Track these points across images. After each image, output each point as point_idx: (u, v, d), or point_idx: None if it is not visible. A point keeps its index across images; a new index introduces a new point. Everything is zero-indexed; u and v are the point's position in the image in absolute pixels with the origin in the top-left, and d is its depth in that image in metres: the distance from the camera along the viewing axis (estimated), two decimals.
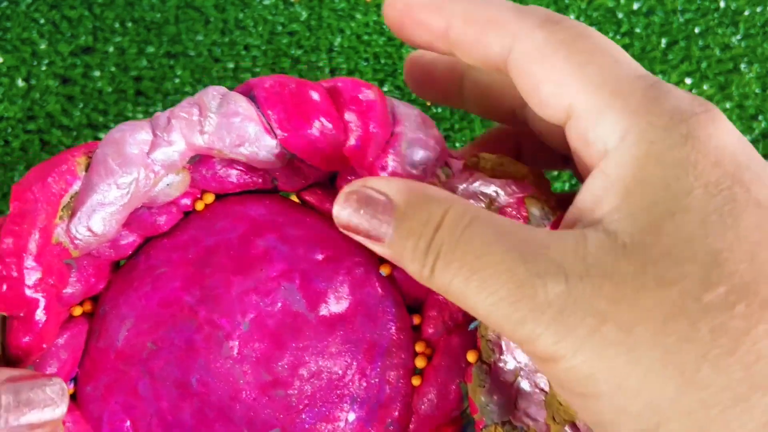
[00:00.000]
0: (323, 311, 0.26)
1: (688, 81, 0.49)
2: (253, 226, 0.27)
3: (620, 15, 0.50)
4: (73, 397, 0.27)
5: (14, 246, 0.22)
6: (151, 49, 0.50)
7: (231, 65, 0.50)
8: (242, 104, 0.24)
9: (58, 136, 0.48)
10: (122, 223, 0.25)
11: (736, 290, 0.18)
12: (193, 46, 0.51)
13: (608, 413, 0.19)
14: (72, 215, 0.24)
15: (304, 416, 0.26)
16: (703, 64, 0.50)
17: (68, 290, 0.26)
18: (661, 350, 0.18)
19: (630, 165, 0.19)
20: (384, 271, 0.27)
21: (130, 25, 0.51)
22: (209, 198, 0.28)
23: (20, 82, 0.49)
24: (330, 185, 0.29)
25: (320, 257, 0.27)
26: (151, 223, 0.27)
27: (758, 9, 0.51)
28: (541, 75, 0.21)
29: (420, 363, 0.27)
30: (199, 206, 0.28)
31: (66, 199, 0.24)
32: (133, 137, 0.24)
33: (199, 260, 0.27)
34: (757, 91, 0.50)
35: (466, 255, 0.20)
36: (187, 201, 0.27)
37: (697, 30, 0.51)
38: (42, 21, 0.50)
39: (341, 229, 0.22)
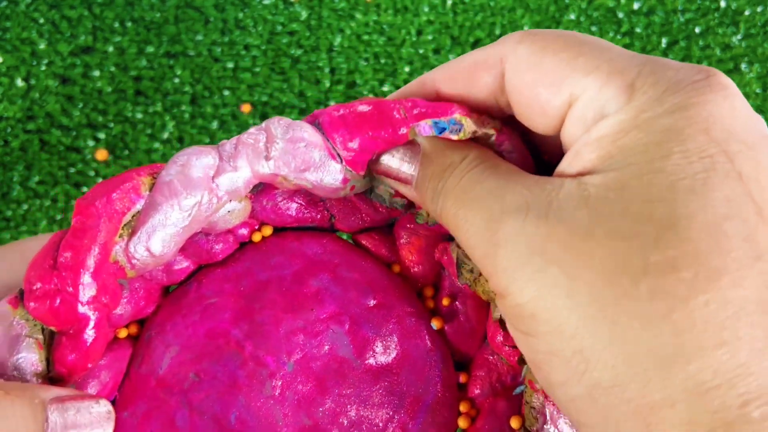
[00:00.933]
0: (369, 359, 0.27)
1: None
2: (307, 264, 0.27)
3: (621, 15, 0.50)
4: None
5: (72, 260, 0.23)
6: (150, 49, 0.50)
7: (231, 65, 0.50)
8: (307, 130, 0.25)
9: (58, 135, 0.48)
10: (180, 246, 0.25)
11: (686, 256, 0.18)
12: (193, 46, 0.50)
13: (543, 353, 0.20)
14: (132, 234, 0.24)
15: None
16: (704, 64, 0.50)
17: (118, 311, 0.26)
18: (599, 301, 0.18)
19: (614, 129, 0.20)
20: (435, 324, 0.28)
21: (129, 24, 0.51)
22: (267, 231, 0.28)
23: (20, 82, 0.49)
24: (387, 231, 0.29)
25: (372, 303, 0.27)
26: (207, 250, 0.27)
27: (758, 9, 0.51)
28: (537, 80, 0.22)
29: (463, 423, 0.27)
30: (256, 238, 0.28)
31: (128, 217, 0.24)
32: (199, 161, 0.24)
33: (250, 294, 0.27)
34: (757, 90, 0.50)
35: (460, 192, 0.22)
36: (244, 231, 0.28)
37: (697, 30, 0.51)
38: (42, 21, 0.50)
39: (375, 172, 0.24)
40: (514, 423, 0.26)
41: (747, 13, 0.51)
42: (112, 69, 0.50)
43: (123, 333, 0.27)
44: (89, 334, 0.23)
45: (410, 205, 0.27)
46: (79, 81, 0.49)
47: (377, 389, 0.26)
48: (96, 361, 0.25)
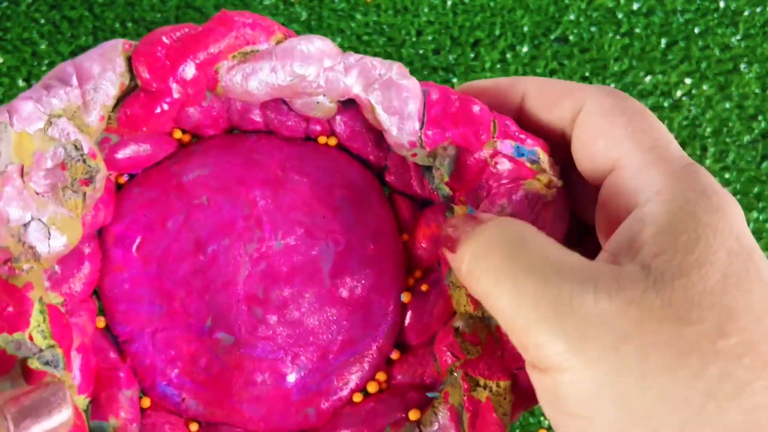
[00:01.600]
0: (338, 286, 0.29)
1: (687, 81, 0.49)
2: (344, 183, 0.30)
3: (620, 15, 0.50)
4: (120, 188, 0.30)
5: (190, 44, 0.26)
6: None
7: None
8: (416, 89, 0.27)
9: None
10: (265, 99, 0.28)
11: (745, 344, 0.19)
12: None
13: None
14: (241, 62, 0.26)
15: (259, 345, 0.28)
16: (703, 65, 0.50)
17: (190, 110, 0.29)
18: (671, 382, 0.19)
19: (667, 213, 0.22)
20: (404, 297, 0.30)
21: (130, 25, 0.51)
22: (332, 141, 0.31)
23: (20, 83, 0.49)
24: (420, 205, 0.31)
25: (369, 248, 0.29)
26: (281, 120, 0.30)
27: (758, 9, 0.51)
28: (600, 129, 0.24)
29: (371, 388, 0.29)
30: (321, 140, 0.31)
31: (247, 48, 0.27)
32: (325, 49, 0.27)
33: (287, 175, 0.30)
34: (756, 91, 0.50)
35: (506, 251, 0.22)
36: (317, 128, 0.30)
37: (696, 30, 0.51)
38: (42, 21, 0.50)
39: (442, 242, 0.26)
40: (412, 415, 0.28)
41: (746, 13, 0.51)
42: None
43: (178, 133, 0.30)
44: (163, 104, 0.26)
45: (451, 199, 0.28)
46: None
47: (328, 311, 0.29)
48: (148, 129, 0.27)
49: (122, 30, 0.51)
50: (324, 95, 0.27)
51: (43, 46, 0.50)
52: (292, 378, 0.28)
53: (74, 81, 0.25)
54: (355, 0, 0.52)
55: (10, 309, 0.24)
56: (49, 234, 0.24)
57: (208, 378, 0.28)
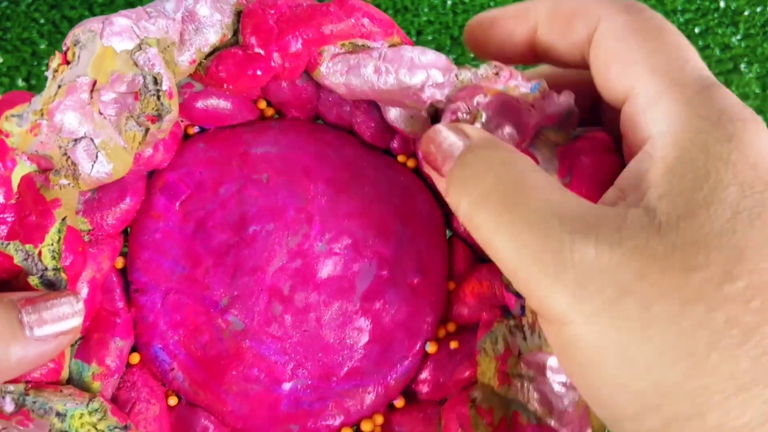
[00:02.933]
0: (367, 311, 0.27)
1: None
2: (418, 218, 0.28)
3: None
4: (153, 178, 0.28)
5: (304, 18, 0.25)
6: None
7: None
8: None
9: None
10: (360, 97, 0.27)
11: (754, 286, 0.18)
12: None
13: (607, 387, 0.19)
14: (350, 53, 0.26)
15: (266, 342, 0.27)
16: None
17: (284, 86, 0.28)
18: (675, 332, 0.18)
19: (675, 147, 0.20)
20: (430, 347, 0.28)
21: None
22: (411, 163, 0.29)
23: (20, 82, 0.49)
24: None
25: (414, 281, 0.28)
26: (368, 126, 0.29)
27: (758, 9, 0.51)
28: (613, 53, 0.22)
29: (365, 427, 0.28)
30: (400, 158, 0.30)
31: (360, 41, 0.26)
32: (440, 64, 0.26)
33: (368, 181, 0.28)
34: (757, 91, 0.50)
35: (504, 198, 0.20)
36: (399, 144, 0.29)
37: (697, 30, 0.51)
38: (42, 21, 0.50)
39: (422, 157, 0.24)
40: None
41: (746, 13, 0.51)
42: None
43: (262, 104, 0.29)
44: (258, 68, 0.25)
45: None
46: None
47: (347, 332, 0.27)
48: (234, 88, 0.26)
49: None
50: (423, 111, 0.26)
51: (42, 46, 0.50)
52: (287, 387, 0.27)
53: (178, 16, 0.24)
54: None
55: (33, 218, 0.23)
56: (96, 157, 0.23)
57: (204, 356, 0.27)
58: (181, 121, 0.28)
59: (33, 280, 0.23)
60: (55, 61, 0.24)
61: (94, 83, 0.23)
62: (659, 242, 0.19)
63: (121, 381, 0.26)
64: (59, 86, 0.23)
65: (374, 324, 0.27)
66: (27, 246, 0.23)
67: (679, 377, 0.18)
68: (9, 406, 0.23)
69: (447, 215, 0.29)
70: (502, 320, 0.26)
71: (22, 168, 0.23)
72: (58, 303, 0.23)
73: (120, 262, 0.28)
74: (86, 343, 0.26)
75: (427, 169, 0.24)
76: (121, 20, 0.23)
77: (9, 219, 0.23)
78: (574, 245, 0.19)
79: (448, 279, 0.29)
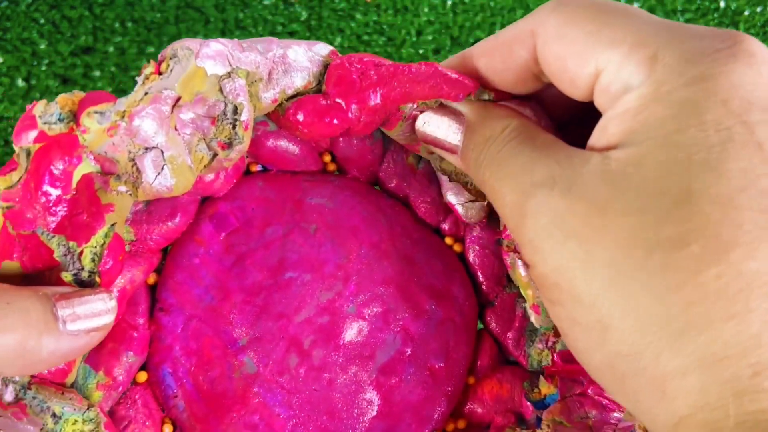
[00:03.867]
0: (381, 385, 0.27)
1: None
2: (453, 304, 0.28)
3: None
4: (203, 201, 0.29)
5: (394, 81, 0.25)
6: (151, 49, 0.50)
7: None
8: None
9: None
10: (429, 157, 0.27)
11: (698, 230, 0.18)
12: None
13: (566, 320, 0.21)
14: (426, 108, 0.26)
15: (274, 391, 0.26)
16: None
17: (354, 143, 0.29)
18: (614, 273, 0.19)
19: (635, 104, 0.20)
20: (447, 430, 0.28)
21: (130, 25, 0.51)
22: (458, 247, 0.30)
23: (20, 82, 0.49)
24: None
25: (436, 366, 0.27)
26: (423, 201, 0.29)
27: (758, 9, 0.51)
28: (564, 53, 0.22)
29: None
30: (448, 240, 0.30)
31: (433, 102, 0.26)
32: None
33: (411, 256, 0.28)
34: None
35: (497, 165, 0.22)
36: (448, 227, 0.30)
37: None
38: (42, 21, 0.50)
39: (421, 140, 0.25)
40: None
41: (747, 13, 0.51)
42: (113, 69, 0.50)
43: (327, 157, 0.29)
44: (335, 117, 0.25)
45: (541, 371, 0.27)
46: (79, 81, 0.49)
47: (356, 402, 0.27)
48: (307, 133, 0.26)
49: (122, 30, 0.51)
50: (489, 203, 0.26)
51: (42, 46, 0.50)
52: None
53: (270, 56, 0.25)
54: (355, 0, 0.52)
55: (84, 217, 0.23)
56: (162, 169, 0.23)
57: (210, 391, 0.26)
58: (247, 156, 0.28)
59: (66, 277, 0.23)
60: (148, 69, 0.24)
61: (178, 99, 0.23)
62: (606, 188, 0.19)
63: (122, 396, 0.26)
64: (146, 93, 0.23)
65: (385, 400, 0.27)
66: (71, 243, 0.23)
67: (618, 315, 0.19)
68: (9, 396, 0.23)
69: (482, 306, 0.29)
70: (514, 428, 0.26)
71: (86, 166, 0.23)
72: (92, 300, 0.23)
73: (152, 278, 0.28)
74: (98, 351, 0.25)
75: (429, 148, 0.26)
76: (217, 45, 0.24)
77: (61, 213, 0.23)
78: (535, 193, 0.21)
79: (469, 373, 0.28)
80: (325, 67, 0.25)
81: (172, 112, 0.23)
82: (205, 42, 0.24)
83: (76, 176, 0.23)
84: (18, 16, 0.50)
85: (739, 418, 0.17)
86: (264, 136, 0.27)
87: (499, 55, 0.24)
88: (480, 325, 0.29)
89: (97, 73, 0.50)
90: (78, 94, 0.23)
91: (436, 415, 0.27)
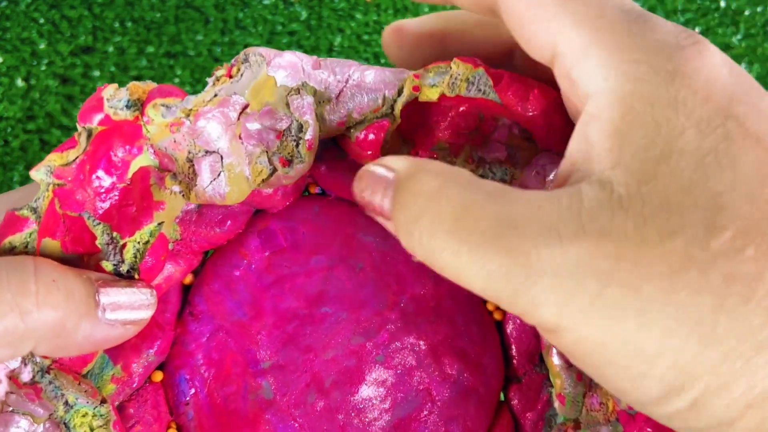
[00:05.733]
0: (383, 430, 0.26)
1: None
2: (480, 375, 0.27)
3: None
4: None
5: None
6: (150, 49, 0.50)
7: None
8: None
9: (58, 135, 0.48)
10: None
11: (743, 233, 0.17)
12: (193, 46, 0.50)
13: (627, 380, 0.18)
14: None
15: (286, 422, 0.26)
16: None
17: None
18: (673, 307, 0.17)
19: (618, 106, 0.18)
20: None
21: (129, 24, 0.51)
22: (498, 315, 0.29)
23: (20, 82, 0.49)
24: None
25: (454, 430, 0.27)
26: None
27: (758, 9, 0.51)
28: (528, 15, 0.20)
29: None
30: (489, 305, 0.29)
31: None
32: None
33: (455, 320, 0.27)
34: None
35: (453, 224, 0.18)
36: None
37: (697, 30, 0.51)
38: (41, 21, 0.50)
39: (361, 206, 0.22)
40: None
41: (747, 13, 0.51)
42: (113, 69, 0.50)
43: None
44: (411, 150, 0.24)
45: None
46: (79, 81, 0.49)
47: None
48: (371, 155, 0.25)
49: (121, 29, 0.51)
50: None
51: (42, 46, 0.50)
52: None
53: (344, 78, 0.24)
54: (355, 0, 0.52)
55: (132, 210, 0.23)
56: (218, 176, 0.23)
57: (222, 406, 0.26)
58: (310, 177, 0.27)
59: (107, 266, 0.23)
60: (220, 71, 0.23)
61: (246, 106, 0.23)
62: (625, 217, 0.17)
63: (134, 393, 0.26)
64: (215, 95, 0.23)
65: None
66: (115, 233, 0.23)
67: (693, 353, 0.17)
68: (26, 376, 0.23)
69: (507, 380, 0.28)
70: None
71: (145, 158, 0.23)
72: (135, 293, 0.23)
73: (188, 279, 0.27)
74: (120, 344, 0.25)
75: (370, 213, 0.22)
76: (291, 57, 0.23)
77: (111, 200, 0.23)
78: (539, 252, 0.17)
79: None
80: (400, 91, 0.24)
81: (239, 119, 0.23)
82: (279, 52, 0.23)
83: (134, 167, 0.23)
84: (17, 16, 0.50)
85: None
86: (328, 161, 0.26)
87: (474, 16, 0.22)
88: (502, 397, 0.28)
89: (97, 73, 0.50)
90: (150, 84, 0.23)
91: None
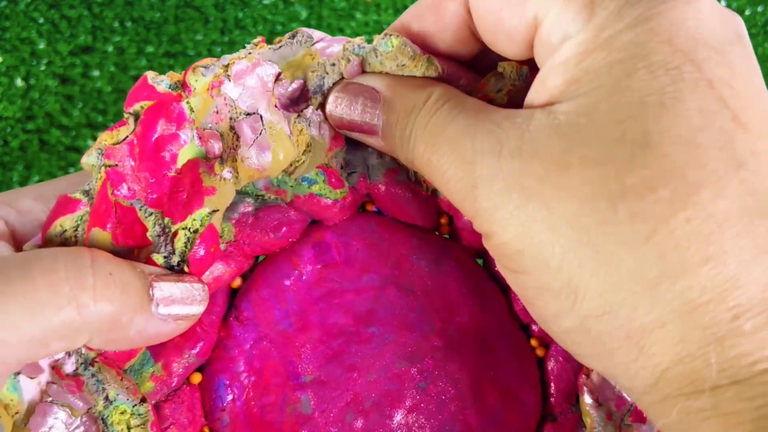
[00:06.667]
0: None
1: None
2: (520, 410, 0.27)
3: None
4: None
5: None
6: (150, 49, 0.50)
7: None
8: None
9: (57, 135, 0.48)
10: None
11: (663, 174, 0.17)
12: (193, 46, 0.50)
13: (532, 289, 0.19)
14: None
15: None
16: None
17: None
18: (580, 230, 0.18)
19: (577, 50, 0.19)
20: None
21: (129, 24, 0.51)
22: (540, 352, 0.29)
23: (19, 82, 0.49)
24: None
25: None
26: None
27: (758, 9, 0.51)
28: (498, 4, 0.21)
29: None
30: (533, 342, 0.28)
31: None
32: None
33: (500, 356, 0.27)
34: None
35: (429, 136, 0.21)
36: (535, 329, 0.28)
37: None
38: (41, 20, 0.50)
39: (336, 127, 0.23)
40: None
41: (747, 13, 0.51)
42: (112, 69, 0.50)
43: (444, 219, 0.28)
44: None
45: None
46: (78, 81, 0.49)
47: None
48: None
49: (121, 29, 0.51)
50: None
51: (42, 46, 0.50)
52: None
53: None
54: (355, 0, 0.52)
55: (183, 195, 0.23)
56: (260, 134, 0.23)
57: (258, 416, 0.25)
58: (367, 195, 0.27)
59: (158, 258, 0.23)
60: (257, 39, 0.24)
61: (279, 74, 0.23)
62: (558, 142, 0.18)
63: (171, 393, 0.25)
64: (249, 53, 0.23)
65: None
66: (167, 219, 0.23)
67: (587, 275, 0.18)
68: (69, 367, 0.22)
69: (543, 417, 0.27)
70: None
71: (192, 148, 0.23)
72: (188, 288, 0.23)
73: (237, 282, 0.27)
74: (163, 342, 0.25)
75: (345, 132, 0.23)
76: (338, 47, 0.23)
77: (163, 188, 0.23)
78: (482, 162, 0.19)
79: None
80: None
81: (273, 87, 0.23)
82: (331, 39, 0.23)
83: (182, 157, 0.23)
84: (17, 16, 0.50)
85: (721, 366, 0.17)
86: (387, 181, 0.26)
87: (430, 15, 0.23)
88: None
89: (96, 73, 0.50)
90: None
91: None
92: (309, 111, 0.23)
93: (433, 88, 0.22)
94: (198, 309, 0.23)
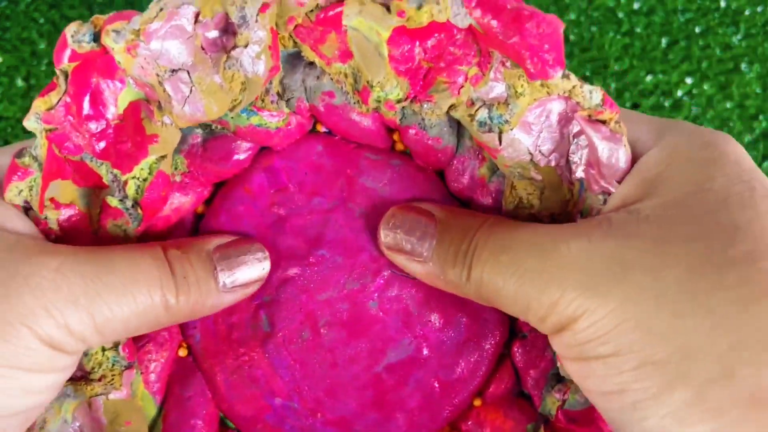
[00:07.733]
0: (381, 381, 0.27)
1: (688, 81, 0.49)
2: (481, 338, 0.28)
3: (621, 15, 0.50)
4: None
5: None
6: None
7: None
8: None
9: None
10: None
11: (759, 250, 0.19)
12: None
13: (629, 372, 0.19)
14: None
15: (283, 358, 0.27)
16: (704, 64, 0.50)
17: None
18: (690, 294, 0.18)
19: (654, 163, 0.21)
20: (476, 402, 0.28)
21: None
22: None
23: (19, 82, 0.49)
24: None
25: (444, 382, 0.27)
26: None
27: (759, 9, 0.51)
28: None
29: None
30: None
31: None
32: None
33: None
34: (757, 90, 0.50)
35: (496, 243, 0.21)
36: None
37: (697, 30, 0.51)
38: (41, 21, 0.50)
39: (385, 251, 0.25)
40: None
41: (747, 13, 0.51)
42: None
43: (397, 135, 0.28)
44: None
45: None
46: None
47: (358, 388, 0.27)
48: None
49: None
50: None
51: (42, 46, 0.50)
52: (278, 402, 0.27)
53: None
54: None
55: (128, 146, 0.23)
56: (191, 92, 0.22)
57: (225, 333, 0.27)
58: (313, 117, 0.27)
59: (112, 201, 0.24)
60: None
61: (197, 15, 0.22)
62: (651, 226, 0.20)
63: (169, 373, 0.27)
64: (160, 9, 0.22)
65: (382, 394, 0.26)
66: (116, 170, 0.23)
67: (703, 339, 0.18)
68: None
69: (512, 334, 0.28)
70: None
71: (130, 92, 0.23)
72: (248, 258, 0.25)
73: (201, 209, 0.28)
74: None
75: (395, 257, 0.25)
76: None
77: (107, 139, 0.23)
78: (570, 245, 0.20)
79: (478, 394, 0.28)
80: None
81: (194, 29, 0.22)
82: None
83: (122, 102, 0.23)
84: (17, 16, 0.50)
85: None
86: (324, 104, 0.26)
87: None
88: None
89: None
90: (111, 15, 0.22)
91: (430, 426, 0.27)
92: (238, 51, 0.22)
93: (488, 215, 0.24)
94: (265, 268, 0.25)
